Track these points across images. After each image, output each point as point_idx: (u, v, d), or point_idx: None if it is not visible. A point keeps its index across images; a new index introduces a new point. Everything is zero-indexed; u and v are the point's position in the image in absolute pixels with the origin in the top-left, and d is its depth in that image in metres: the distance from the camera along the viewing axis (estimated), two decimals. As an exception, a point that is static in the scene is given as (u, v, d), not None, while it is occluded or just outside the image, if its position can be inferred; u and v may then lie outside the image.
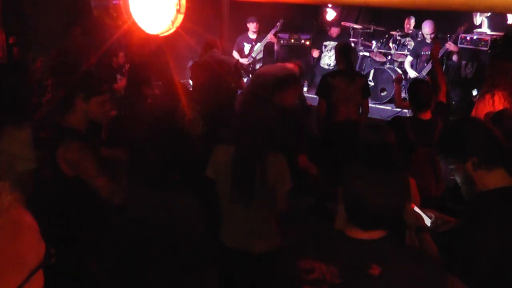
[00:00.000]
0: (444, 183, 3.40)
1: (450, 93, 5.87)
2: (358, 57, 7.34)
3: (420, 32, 6.69)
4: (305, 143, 3.58)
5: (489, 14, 6.70)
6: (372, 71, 7.13)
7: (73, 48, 4.73)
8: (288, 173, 2.38)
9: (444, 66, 6.25)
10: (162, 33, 3.73)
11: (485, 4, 4.30)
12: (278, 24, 6.83)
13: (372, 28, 7.54)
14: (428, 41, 5.95)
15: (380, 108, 6.76)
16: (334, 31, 6.95)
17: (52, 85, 3.65)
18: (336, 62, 4.71)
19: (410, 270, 1.33)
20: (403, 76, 6.20)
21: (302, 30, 7.86)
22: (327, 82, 4.34)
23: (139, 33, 3.48)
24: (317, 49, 6.94)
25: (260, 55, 6.78)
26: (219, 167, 2.42)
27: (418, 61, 6.31)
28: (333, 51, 6.56)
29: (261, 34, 6.79)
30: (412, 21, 7.18)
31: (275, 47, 6.92)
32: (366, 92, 4.46)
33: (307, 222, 4.21)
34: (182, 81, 4.90)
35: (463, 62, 6.57)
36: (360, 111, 4.46)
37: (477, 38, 6.54)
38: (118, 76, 5.67)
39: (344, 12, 7.72)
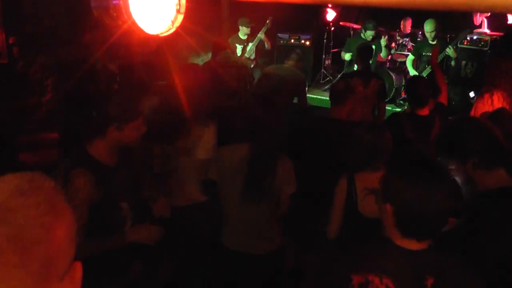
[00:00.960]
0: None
1: (450, 93, 5.85)
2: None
3: (420, 32, 6.67)
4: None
5: (489, 14, 6.71)
6: (372, 71, 7.12)
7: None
8: (294, 176, 2.38)
9: (444, 66, 6.24)
10: (162, 33, 3.73)
11: (485, 4, 4.30)
12: (268, 21, 6.59)
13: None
14: (430, 40, 5.92)
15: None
16: None
17: (52, 85, 3.63)
18: (356, 63, 4.91)
19: (461, 280, 1.30)
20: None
21: (302, 30, 7.87)
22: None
23: (139, 33, 3.47)
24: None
25: (253, 55, 6.63)
26: (224, 169, 2.41)
27: (419, 61, 6.31)
28: None
29: (252, 34, 6.58)
30: (409, 23, 7.18)
31: (267, 46, 6.77)
32: (383, 94, 4.57)
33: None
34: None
35: (463, 62, 6.57)
36: (376, 113, 4.54)
37: (477, 38, 6.54)
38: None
39: (344, 12, 7.71)
